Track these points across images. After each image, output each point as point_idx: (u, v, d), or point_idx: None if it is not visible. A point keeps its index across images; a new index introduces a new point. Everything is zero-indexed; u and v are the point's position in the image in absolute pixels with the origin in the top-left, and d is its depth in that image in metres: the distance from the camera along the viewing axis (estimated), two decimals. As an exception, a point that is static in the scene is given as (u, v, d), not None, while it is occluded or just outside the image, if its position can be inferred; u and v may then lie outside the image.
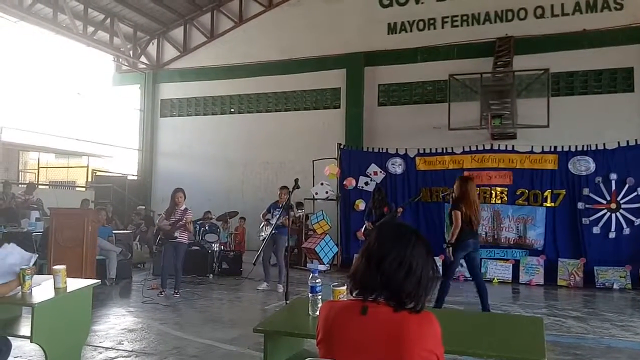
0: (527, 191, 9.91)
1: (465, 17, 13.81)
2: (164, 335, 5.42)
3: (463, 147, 10.60)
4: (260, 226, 8.85)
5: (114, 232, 10.02)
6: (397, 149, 11.02)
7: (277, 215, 7.95)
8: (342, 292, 2.61)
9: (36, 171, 20.19)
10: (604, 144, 9.64)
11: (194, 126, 16.61)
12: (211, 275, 9.69)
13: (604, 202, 9.45)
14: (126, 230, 11.99)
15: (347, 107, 14.54)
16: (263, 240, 7.95)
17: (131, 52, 16.79)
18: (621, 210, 9.36)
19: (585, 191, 9.56)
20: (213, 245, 10.18)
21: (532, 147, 10.15)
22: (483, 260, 9.82)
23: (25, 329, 3.45)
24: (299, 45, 15.08)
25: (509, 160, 10.11)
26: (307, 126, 14.86)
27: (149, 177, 16.98)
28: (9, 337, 3.45)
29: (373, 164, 11.01)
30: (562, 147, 9.87)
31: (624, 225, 9.31)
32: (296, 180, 6.80)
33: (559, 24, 12.93)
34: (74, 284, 3.61)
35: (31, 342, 3.19)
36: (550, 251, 9.65)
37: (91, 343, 4.94)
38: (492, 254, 9.91)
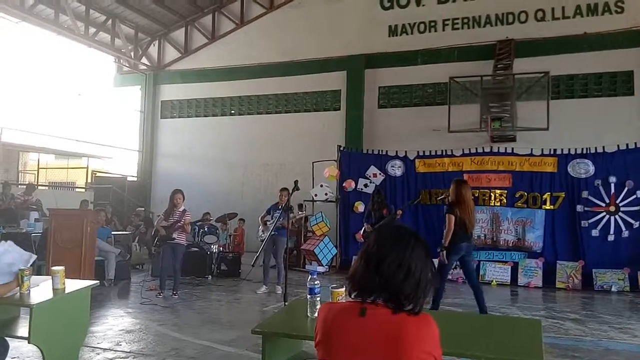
0: (526, 194, 9.91)
1: (466, 20, 13.83)
2: (162, 337, 5.41)
3: (463, 150, 10.61)
4: (259, 228, 8.84)
5: (113, 233, 10.01)
6: (396, 151, 11.02)
7: (277, 217, 7.95)
8: (341, 293, 2.61)
9: (36, 172, 20.17)
10: (604, 147, 9.64)
11: (195, 128, 16.62)
12: (210, 276, 9.69)
13: (603, 204, 9.46)
14: (125, 231, 11.99)
15: (347, 109, 14.55)
16: (262, 241, 7.94)
17: (132, 54, 16.82)
18: (620, 213, 9.36)
19: (585, 194, 9.56)
20: (212, 246, 10.18)
21: (532, 149, 10.16)
22: (482, 262, 9.84)
23: (23, 329, 3.45)
24: (299, 47, 15.10)
25: (508, 163, 10.12)
26: (307, 128, 14.88)
27: (148, 178, 16.98)
28: (7, 338, 3.45)
29: (373, 166, 11.01)
30: (562, 150, 9.88)
31: (623, 228, 9.32)
32: (296, 182, 6.79)
33: (559, 27, 12.95)
34: (73, 285, 3.61)
35: (29, 342, 3.19)
36: (549, 254, 9.65)
37: (89, 344, 4.93)
38: (491, 256, 9.92)
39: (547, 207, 9.79)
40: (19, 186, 14.75)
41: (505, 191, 10.03)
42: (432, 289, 1.74)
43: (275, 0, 15.89)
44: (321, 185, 11.11)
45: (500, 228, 9.96)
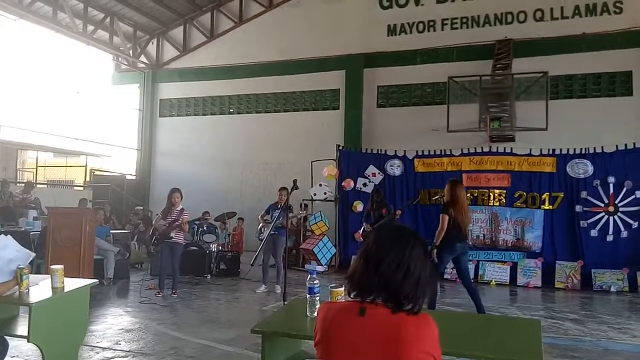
0: (525, 194, 9.92)
1: (465, 20, 13.84)
2: (162, 336, 5.41)
3: (462, 149, 10.61)
4: (259, 227, 8.84)
5: (111, 231, 10.01)
6: (395, 151, 11.03)
7: (276, 216, 7.94)
8: (340, 293, 2.61)
9: (34, 170, 20.12)
10: (602, 147, 9.65)
11: (193, 126, 16.61)
12: (209, 275, 9.68)
13: (602, 205, 9.47)
14: (124, 230, 11.99)
15: (346, 109, 14.55)
16: (261, 240, 7.94)
17: (131, 52, 16.79)
18: (619, 214, 9.37)
19: (583, 194, 9.57)
20: (211, 245, 10.17)
21: (531, 149, 10.17)
22: (481, 262, 9.85)
23: (22, 328, 3.45)
24: (298, 46, 15.09)
25: (507, 163, 10.12)
26: (306, 127, 14.87)
27: (147, 177, 16.97)
28: (6, 337, 3.44)
29: (371, 166, 11.02)
30: (561, 150, 9.89)
31: (622, 228, 9.33)
32: (295, 181, 6.80)
33: (558, 27, 12.96)
34: (72, 283, 3.60)
35: (28, 341, 3.19)
36: (548, 254, 9.66)
37: (88, 343, 4.93)
38: (490, 256, 9.93)
39: (546, 207, 9.80)
40: (18, 184, 14.75)
41: (504, 191, 10.03)
42: (431, 289, 1.75)
43: (274, -2, 15.90)
44: (320, 185, 11.11)
45: (499, 228, 9.97)
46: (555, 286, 9.27)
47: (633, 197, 9.29)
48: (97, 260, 8.10)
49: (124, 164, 17.94)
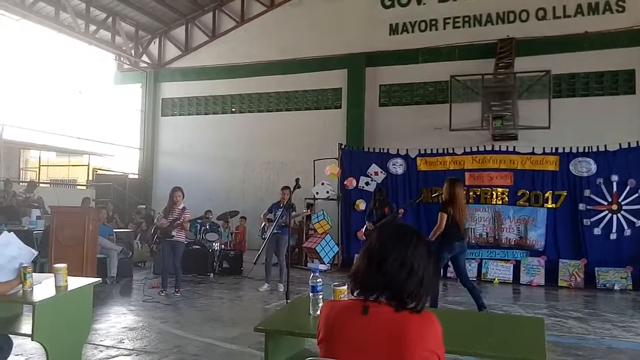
0: (528, 192, 9.91)
1: (467, 19, 13.81)
2: (165, 334, 5.42)
3: (464, 148, 10.60)
4: (262, 226, 8.85)
5: (114, 230, 10.03)
6: (398, 150, 11.02)
7: (279, 215, 7.95)
8: (343, 291, 2.61)
9: (37, 169, 20.15)
10: (606, 146, 9.63)
11: (195, 125, 16.62)
12: (212, 274, 9.70)
13: (605, 203, 9.45)
14: (127, 228, 12.01)
15: (348, 108, 14.54)
16: (264, 239, 7.94)
17: (133, 51, 16.81)
18: (622, 212, 9.36)
19: (587, 192, 9.55)
20: (214, 244, 10.18)
21: (533, 148, 10.15)
22: (484, 260, 9.85)
23: (26, 327, 3.45)
24: (300, 45, 15.08)
25: (510, 161, 10.11)
26: (308, 126, 14.87)
27: (149, 176, 16.99)
28: (10, 335, 3.45)
29: (374, 164, 11.01)
30: (564, 148, 9.87)
31: (625, 227, 9.31)
32: (297, 180, 6.81)
33: (560, 26, 12.93)
34: (75, 282, 3.61)
35: (32, 340, 3.19)
36: (551, 252, 9.65)
37: (92, 341, 4.94)
38: (493, 254, 9.92)
39: (549, 206, 9.79)
40: (20, 183, 14.75)
41: (507, 189, 10.03)
42: (434, 287, 1.75)
43: (276, -2, 15.90)
44: (322, 184, 11.12)
45: (502, 226, 9.96)
46: (559, 284, 9.26)
47: (636, 195, 9.28)
48: (100, 259, 8.12)
49: (126, 163, 17.97)
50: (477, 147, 10.61)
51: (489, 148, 10.65)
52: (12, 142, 15.53)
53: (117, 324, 5.85)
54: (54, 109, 17.66)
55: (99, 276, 6.08)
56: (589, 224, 9.49)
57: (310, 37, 15.02)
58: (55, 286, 3.42)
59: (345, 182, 10.94)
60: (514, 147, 10.49)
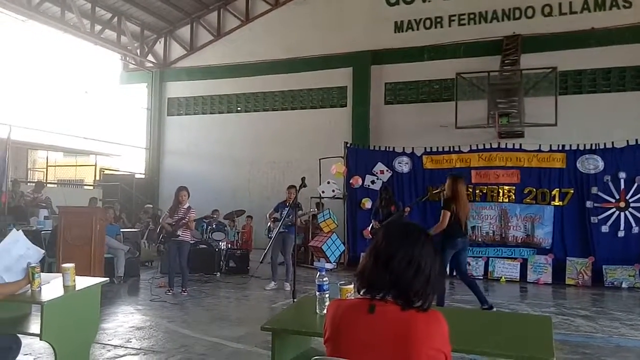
0: (535, 190, 9.87)
1: (472, 16, 13.75)
2: (172, 333, 5.44)
3: (470, 146, 10.56)
4: (268, 225, 8.86)
5: (122, 230, 10.07)
6: (403, 148, 11.00)
7: (285, 214, 7.96)
8: (350, 290, 2.61)
9: (44, 170, 20.30)
10: (613, 143, 9.58)
11: (201, 125, 16.66)
12: (218, 273, 9.72)
13: (613, 200, 9.40)
14: (134, 228, 12.05)
15: (353, 106, 14.53)
16: (270, 238, 7.95)
17: (138, 51, 16.85)
18: (630, 209, 9.30)
19: (594, 190, 9.50)
20: (220, 243, 10.21)
21: (540, 145, 10.10)
22: (491, 258, 9.82)
23: (34, 326, 3.47)
24: (305, 44, 15.07)
25: (516, 159, 10.07)
26: (314, 125, 14.86)
27: (156, 175, 17.05)
28: (19, 335, 3.47)
29: (380, 163, 11.00)
30: (570, 145, 9.82)
31: (633, 224, 9.26)
32: (303, 179, 6.81)
33: (567, 23, 12.85)
34: (83, 282, 3.62)
35: (41, 339, 3.21)
36: (558, 250, 9.61)
37: (100, 341, 4.97)
38: (500, 252, 9.89)
39: (556, 203, 9.74)
40: (28, 184, 14.85)
41: (514, 187, 9.99)
42: (440, 286, 1.75)
43: (281, -3, 15.90)
44: (328, 182, 11.11)
45: (509, 224, 9.92)
46: (566, 282, 9.22)
47: (644, 192, 9.22)
48: (108, 259, 8.16)
49: (133, 162, 18.02)
50: (484, 144, 10.57)
51: (495, 146, 10.61)
52: (19, 143, 15.61)
53: (125, 323, 5.88)
54: (60, 110, 17.71)
55: (106, 276, 6.12)
56: (596, 221, 9.44)
57: (315, 36, 15.01)
58: (63, 286, 3.44)
59: (351, 181, 10.93)
60: (521, 145, 10.44)
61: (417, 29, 14.27)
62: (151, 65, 17.21)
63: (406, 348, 1.60)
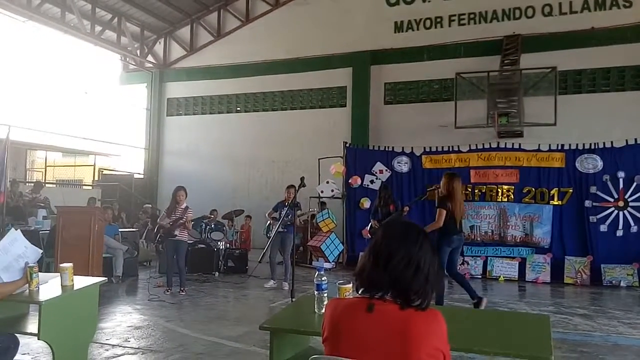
0: (533, 189, 9.88)
1: (472, 15, 13.75)
2: (170, 333, 5.44)
3: (469, 146, 10.57)
4: (267, 224, 8.86)
5: (120, 230, 10.06)
6: (403, 148, 11.00)
7: (284, 214, 7.95)
8: (348, 289, 2.61)
9: (43, 170, 20.28)
10: (612, 142, 9.59)
11: (200, 125, 16.65)
12: (217, 273, 9.71)
13: (612, 200, 9.41)
14: (132, 228, 12.05)
15: (353, 106, 14.53)
16: (269, 238, 7.95)
17: (138, 51, 16.85)
18: (629, 209, 9.31)
19: (593, 189, 9.51)
20: (219, 243, 10.20)
21: (539, 145, 10.10)
22: (489, 258, 9.83)
23: (32, 326, 3.47)
24: (305, 44, 15.07)
25: (515, 159, 10.08)
26: (313, 125, 14.86)
27: (155, 175, 17.05)
28: (17, 335, 3.47)
29: (379, 162, 11.01)
30: (570, 145, 9.83)
31: (632, 223, 9.27)
32: (302, 179, 6.80)
33: (567, 22, 12.85)
34: (81, 281, 3.62)
35: (39, 339, 3.21)
36: (556, 249, 9.62)
37: (98, 340, 4.96)
38: (499, 251, 9.90)
39: (555, 203, 9.75)
40: (27, 184, 14.84)
41: (513, 187, 10.00)
42: (438, 284, 1.75)
43: (281, -3, 15.90)
44: (327, 182, 11.11)
45: (508, 224, 9.93)
46: (565, 281, 9.24)
47: (643, 192, 9.23)
48: (106, 259, 8.16)
49: (132, 163, 18.01)
50: (483, 144, 10.57)
51: (494, 145, 10.61)
52: (18, 143, 15.58)
53: (123, 322, 5.87)
54: (60, 110, 17.70)
55: (104, 275, 6.12)
56: (595, 220, 9.45)
57: (315, 36, 15.01)
58: (61, 285, 3.44)
59: (350, 181, 10.94)
60: (520, 144, 10.44)
61: (417, 29, 14.27)
62: (151, 65, 17.21)
63: (405, 347, 1.60)
